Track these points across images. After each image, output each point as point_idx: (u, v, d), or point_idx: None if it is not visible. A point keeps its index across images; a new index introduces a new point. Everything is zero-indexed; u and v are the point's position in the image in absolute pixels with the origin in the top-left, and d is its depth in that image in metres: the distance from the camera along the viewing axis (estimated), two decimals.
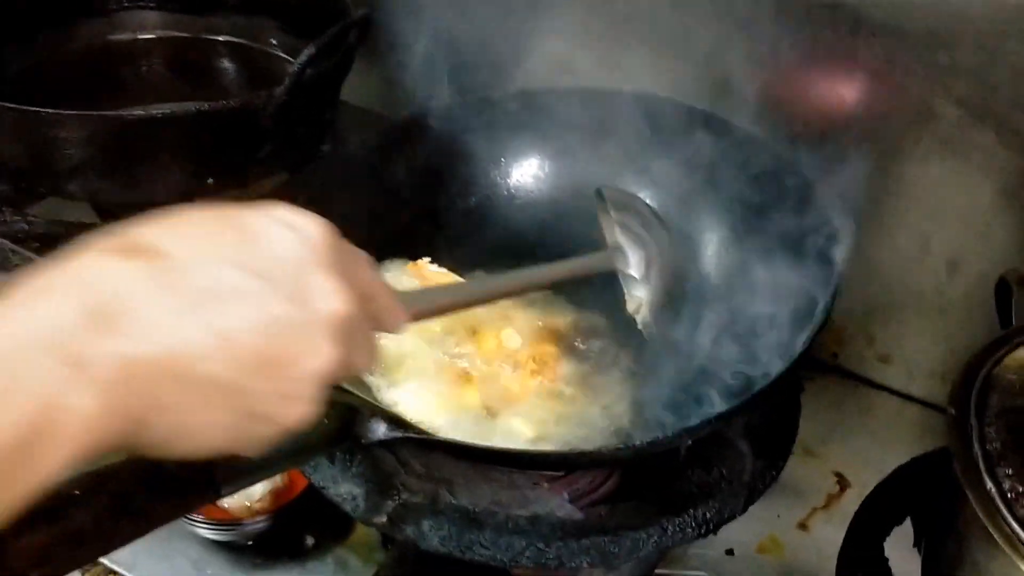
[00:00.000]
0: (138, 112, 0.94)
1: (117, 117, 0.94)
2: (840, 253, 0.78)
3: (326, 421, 0.64)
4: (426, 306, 0.64)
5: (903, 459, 1.00)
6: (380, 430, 0.66)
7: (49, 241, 1.01)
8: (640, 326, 0.81)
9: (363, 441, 0.67)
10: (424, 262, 0.89)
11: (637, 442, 0.66)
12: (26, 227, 1.03)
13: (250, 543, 0.94)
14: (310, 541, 0.95)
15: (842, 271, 0.77)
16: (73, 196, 1.02)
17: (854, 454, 1.07)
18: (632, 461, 0.72)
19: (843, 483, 1.04)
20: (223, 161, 1.02)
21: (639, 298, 0.81)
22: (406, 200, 0.95)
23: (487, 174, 0.98)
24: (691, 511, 0.73)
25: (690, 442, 0.67)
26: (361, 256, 0.52)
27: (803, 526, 0.99)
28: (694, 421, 0.69)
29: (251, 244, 0.45)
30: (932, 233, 1.02)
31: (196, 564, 0.94)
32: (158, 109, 0.96)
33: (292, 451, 0.62)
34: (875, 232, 1.04)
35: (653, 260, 0.81)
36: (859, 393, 1.14)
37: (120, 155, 0.97)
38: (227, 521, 0.91)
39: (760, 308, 0.79)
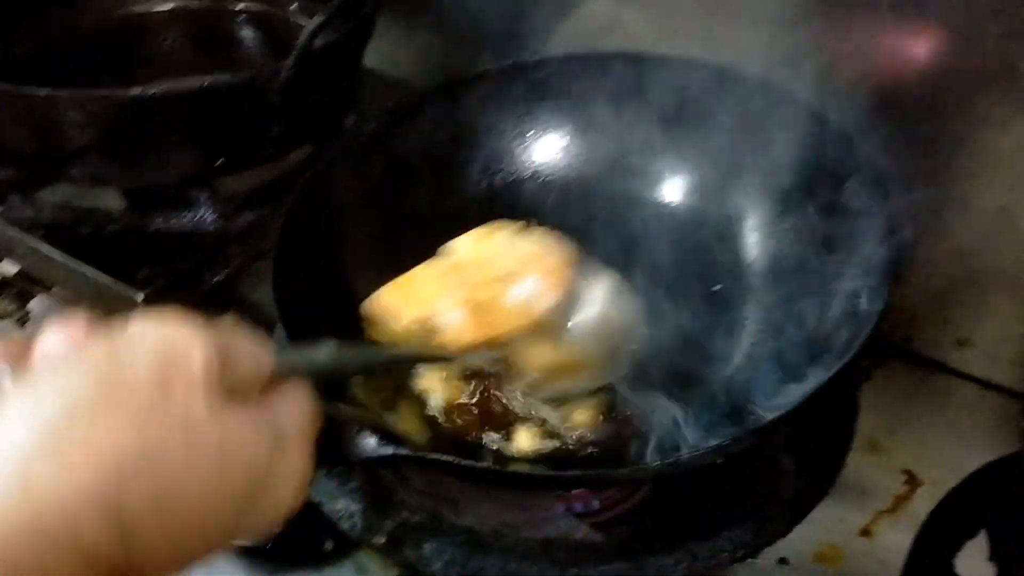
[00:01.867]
0: (136, 90, 0.87)
1: (115, 96, 0.88)
2: (904, 235, 0.68)
3: None
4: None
5: (981, 455, 0.93)
6: (369, 446, 0.60)
7: (56, 228, 0.97)
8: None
9: (351, 459, 0.60)
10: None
11: (658, 462, 0.58)
12: (33, 214, 0.99)
13: (266, 547, 0.89)
14: (328, 545, 0.88)
15: (906, 255, 0.67)
16: (79, 180, 0.97)
17: (926, 449, 0.96)
18: (654, 481, 0.64)
19: (913, 482, 0.93)
20: (233, 139, 0.96)
21: None
22: (422, 178, 0.88)
23: (510, 150, 0.90)
24: (725, 533, 0.64)
25: (721, 460, 0.58)
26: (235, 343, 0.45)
27: (866, 532, 0.89)
28: (727, 435, 0.60)
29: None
30: (1014, 204, 0.92)
31: (209, 571, 0.88)
32: (159, 86, 0.89)
33: None
34: (950, 205, 0.93)
35: None
36: (933, 380, 1.03)
37: (122, 136, 0.92)
38: None
39: (809, 300, 0.70)
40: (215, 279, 0.96)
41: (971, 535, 0.76)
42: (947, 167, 0.92)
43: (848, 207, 0.71)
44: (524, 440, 0.66)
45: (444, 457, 0.59)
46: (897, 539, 0.87)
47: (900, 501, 0.92)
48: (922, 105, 0.90)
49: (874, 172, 0.72)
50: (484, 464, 0.60)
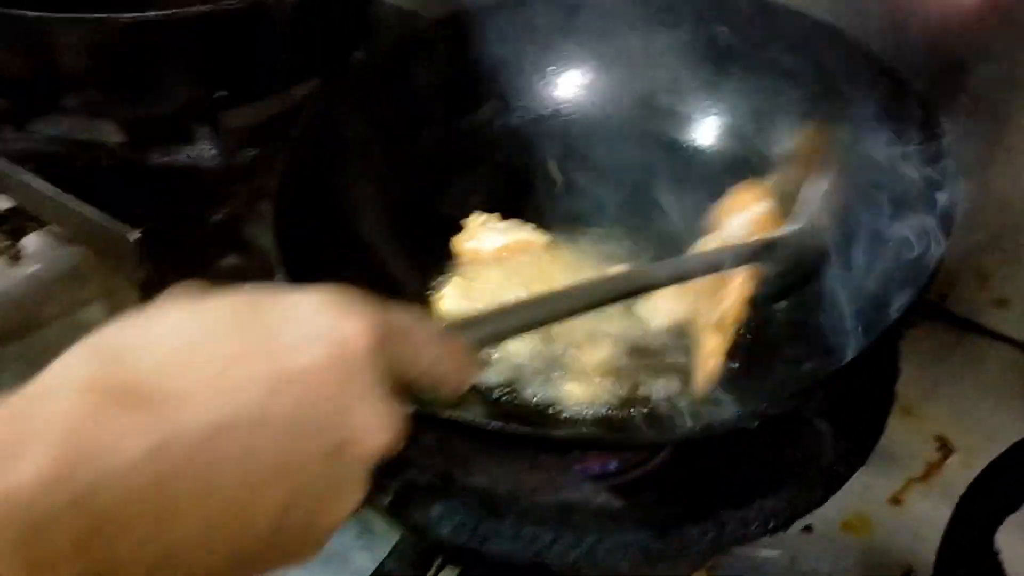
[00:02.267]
0: (132, 15, 0.82)
1: (109, 20, 0.83)
2: (956, 186, 0.63)
3: None
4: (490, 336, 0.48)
5: (1017, 421, 0.88)
6: None
7: (50, 161, 0.92)
8: None
9: None
10: (477, 221, 0.76)
11: (688, 426, 0.53)
12: (25, 145, 0.93)
13: None
14: None
15: (955, 215, 0.61)
16: (73, 111, 0.92)
17: (960, 414, 0.92)
18: (682, 447, 0.59)
19: (946, 449, 0.89)
20: (235, 70, 0.90)
21: None
22: (434, 116, 0.82)
23: (529, 86, 0.84)
24: (756, 503, 0.60)
25: (756, 425, 0.53)
26: (416, 340, 0.40)
27: (896, 500, 0.84)
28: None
29: (271, 380, 0.35)
30: None
31: None
32: (157, 11, 0.84)
33: None
34: (993, 155, 0.88)
35: None
36: (969, 342, 0.98)
37: (118, 64, 0.86)
38: None
39: (854, 253, 0.64)
40: (216, 218, 0.91)
41: (1013, 508, 0.71)
42: (995, 115, 0.86)
43: (897, 153, 0.65)
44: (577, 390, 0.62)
45: (454, 415, 0.55)
46: (928, 509, 0.83)
47: (932, 469, 0.87)
48: (971, 50, 0.84)
49: (927, 116, 0.66)
50: (497, 423, 0.55)
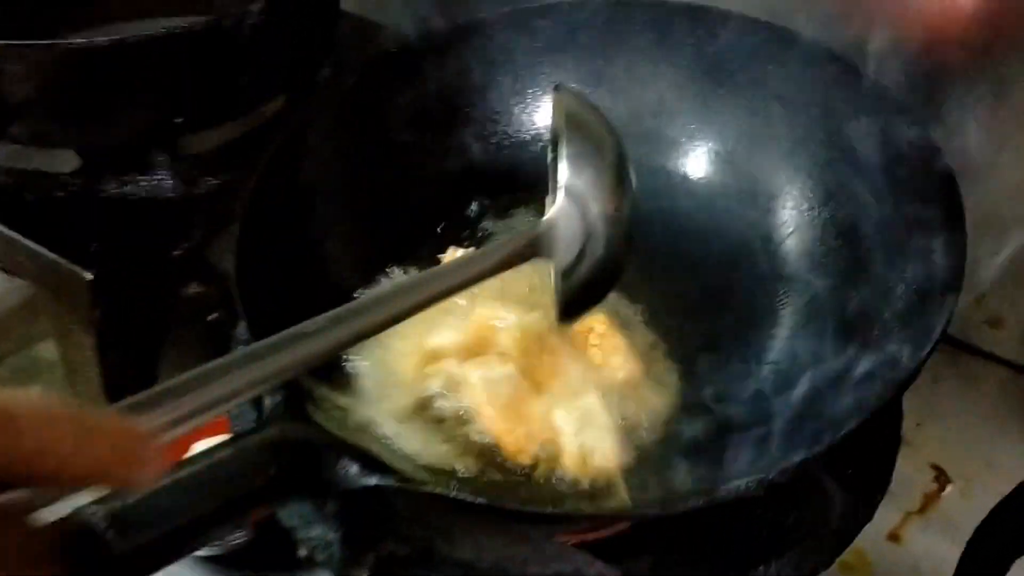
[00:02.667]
0: (80, 40, 0.76)
1: (57, 47, 0.77)
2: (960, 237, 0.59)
3: (272, 467, 0.49)
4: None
5: (1015, 447, 0.85)
6: (351, 474, 0.51)
7: None
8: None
9: (331, 489, 0.51)
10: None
11: (688, 501, 0.49)
12: None
13: (233, 555, 0.81)
14: (303, 552, 0.80)
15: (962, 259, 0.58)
16: (20, 139, 0.86)
17: (956, 441, 0.89)
18: (681, 521, 0.55)
19: (942, 479, 0.86)
20: (194, 93, 0.85)
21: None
22: (408, 141, 0.78)
23: (509, 110, 0.80)
24: (760, 569, 0.56)
25: (762, 493, 0.50)
26: (29, 427, 0.33)
27: (895, 537, 0.82)
28: (764, 469, 0.51)
29: None
30: None
31: None
32: (107, 36, 0.78)
33: (219, 511, 0.47)
34: (988, 167, 0.85)
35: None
36: (963, 363, 0.96)
37: (67, 90, 0.81)
38: None
39: (856, 294, 0.61)
40: (176, 252, 0.85)
41: (1021, 552, 0.68)
42: (988, 125, 0.83)
43: (901, 186, 0.62)
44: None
45: (436, 489, 0.51)
46: (928, 544, 0.80)
47: (929, 500, 0.84)
48: (963, 59, 0.81)
49: (931, 148, 0.62)
50: (482, 499, 0.51)
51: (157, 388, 0.39)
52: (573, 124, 0.58)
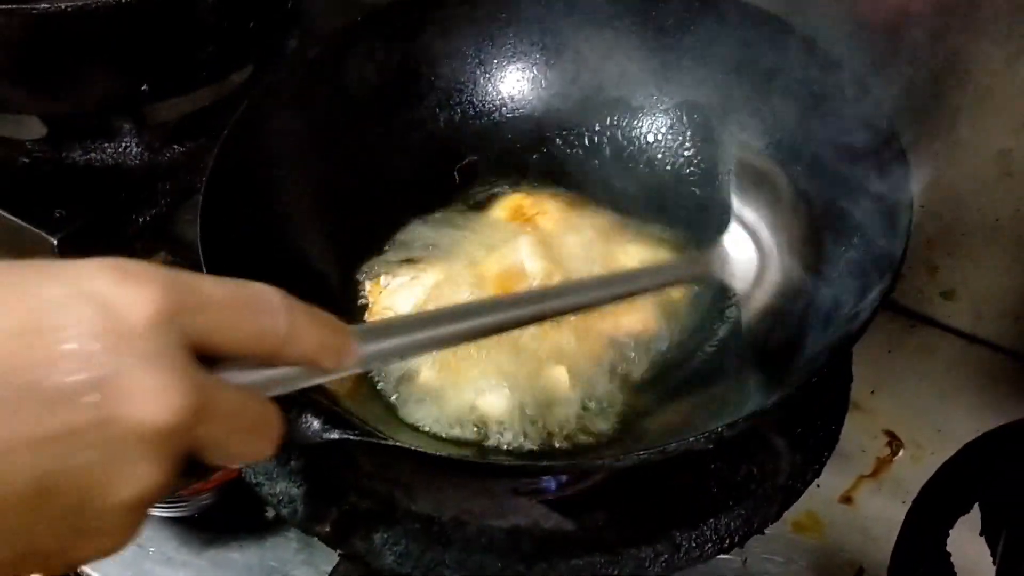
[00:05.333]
0: (43, 6, 0.76)
1: (19, 11, 0.77)
2: (909, 192, 0.61)
3: None
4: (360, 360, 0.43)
5: (966, 414, 0.88)
6: (312, 429, 0.52)
7: None
8: None
9: (291, 444, 0.52)
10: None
11: (641, 451, 0.50)
12: None
13: (200, 516, 0.81)
14: (270, 514, 0.81)
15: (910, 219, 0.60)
16: None
17: (909, 408, 0.91)
18: (636, 471, 0.57)
19: (895, 444, 0.88)
20: (159, 61, 0.85)
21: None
22: (372, 111, 0.78)
23: (473, 80, 0.81)
24: (711, 521, 0.58)
25: (712, 447, 0.51)
26: (227, 310, 0.36)
27: (847, 499, 0.84)
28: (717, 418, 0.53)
29: (34, 335, 0.32)
30: (1015, 149, 0.85)
31: (137, 539, 0.81)
32: (72, 2, 0.78)
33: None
34: (945, 147, 0.87)
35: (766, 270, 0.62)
36: (917, 333, 0.98)
37: (30, 57, 0.80)
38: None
39: (810, 256, 0.62)
40: (141, 219, 0.86)
41: (965, 510, 0.70)
42: (946, 107, 0.85)
43: (853, 155, 0.63)
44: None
45: (399, 443, 0.52)
46: (879, 507, 0.82)
47: (882, 465, 0.87)
48: (924, 42, 0.82)
49: (882, 115, 0.64)
50: (444, 452, 0.52)
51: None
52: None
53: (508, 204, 0.76)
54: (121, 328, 0.33)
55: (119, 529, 0.34)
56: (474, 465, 0.54)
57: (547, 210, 0.73)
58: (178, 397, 0.33)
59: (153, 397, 0.33)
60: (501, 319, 0.47)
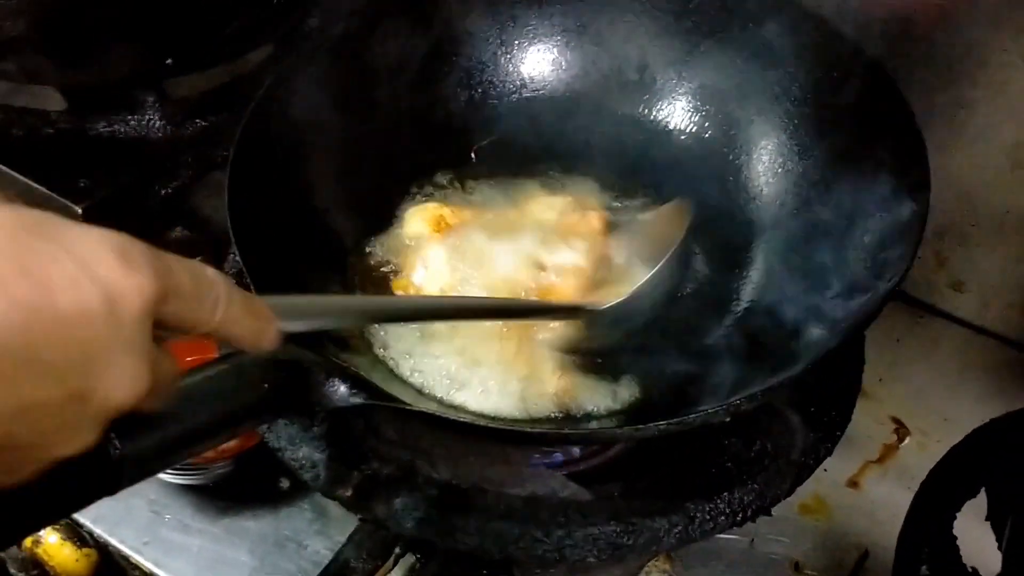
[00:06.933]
0: None
1: None
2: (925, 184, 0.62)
3: (264, 384, 0.51)
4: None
5: (972, 403, 0.89)
6: (339, 393, 0.53)
7: None
8: None
9: (318, 408, 0.53)
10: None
11: (662, 421, 0.51)
12: None
13: (216, 485, 0.82)
14: (285, 484, 0.83)
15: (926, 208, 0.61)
16: (12, 76, 0.87)
17: (916, 396, 0.92)
18: (652, 441, 0.58)
19: (902, 431, 0.90)
20: (183, 35, 0.86)
21: None
22: (393, 90, 0.79)
23: (495, 60, 0.82)
24: (725, 495, 0.59)
25: (728, 420, 0.52)
26: (202, 298, 0.39)
27: (853, 483, 0.85)
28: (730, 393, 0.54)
29: (32, 311, 0.34)
30: None
31: (153, 506, 0.83)
32: None
33: (213, 423, 0.49)
34: (956, 140, 0.88)
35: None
36: (925, 324, 0.99)
37: (58, 27, 0.81)
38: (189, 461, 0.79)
39: (824, 244, 0.63)
40: (163, 191, 0.87)
41: (972, 495, 0.71)
42: (957, 102, 0.86)
43: (872, 143, 0.64)
44: None
45: (423, 407, 0.53)
46: (885, 491, 0.84)
47: (888, 451, 0.88)
48: (940, 34, 0.83)
49: (903, 106, 0.65)
50: (467, 417, 0.53)
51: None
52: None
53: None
54: (118, 319, 0.35)
55: (24, 477, 0.36)
56: (496, 432, 0.54)
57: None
58: (141, 388, 0.36)
59: (125, 385, 0.36)
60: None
